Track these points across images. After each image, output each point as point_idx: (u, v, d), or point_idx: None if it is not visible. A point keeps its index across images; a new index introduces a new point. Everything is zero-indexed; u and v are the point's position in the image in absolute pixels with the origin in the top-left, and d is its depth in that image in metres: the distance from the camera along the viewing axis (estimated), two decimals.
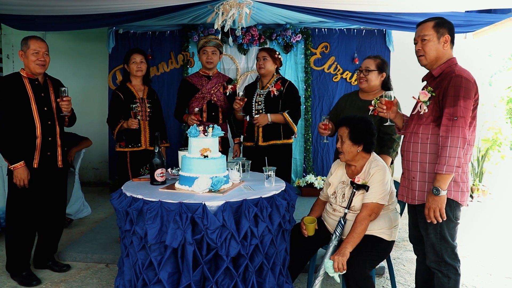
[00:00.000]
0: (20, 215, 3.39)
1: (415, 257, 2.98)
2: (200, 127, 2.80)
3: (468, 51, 6.42)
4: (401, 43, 6.14)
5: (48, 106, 3.40)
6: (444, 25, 2.57)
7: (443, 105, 2.44)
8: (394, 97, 2.77)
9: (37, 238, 3.66)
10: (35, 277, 3.48)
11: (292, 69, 6.36)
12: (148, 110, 4.03)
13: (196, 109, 3.97)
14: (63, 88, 3.34)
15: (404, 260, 4.00)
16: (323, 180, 5.88)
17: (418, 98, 2.59)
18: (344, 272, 2.56)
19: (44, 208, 3.53)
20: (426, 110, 2.56)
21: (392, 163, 3.47)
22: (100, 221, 5.11)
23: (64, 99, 3.34)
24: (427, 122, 2.56)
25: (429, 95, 2.54)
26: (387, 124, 2.86)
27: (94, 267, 3.78)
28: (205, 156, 2.68)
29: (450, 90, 2.41)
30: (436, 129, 2.50)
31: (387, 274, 3.50)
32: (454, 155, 2.34)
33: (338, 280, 2.61)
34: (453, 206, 2.48)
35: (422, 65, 2.68)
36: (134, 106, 3.76)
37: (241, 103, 3.87)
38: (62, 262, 3.80)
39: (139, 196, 2.52)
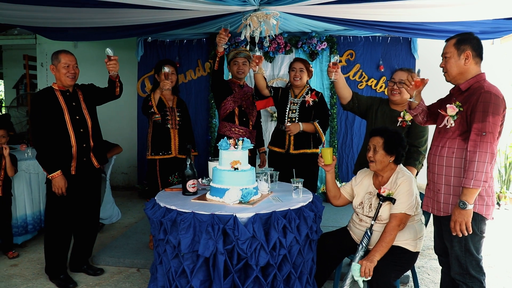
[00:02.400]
0: (59, 221, 3.56)
1: (439, 266, 3.01)
2: (231, 140, 2.90)
3: (497, 52, 6.37)
4: (426, 51, 6.14)
5: (79, 115, 3.55)
6: (465, 42, 2.60)
7: (472, 120, 2.47)
8: (426, 78, 2.80)
9: (72, 242, 3.82)
10: (72, 280, 3.65)
11: (317, 76, 6.42)
12: (178, 119, 4.15)
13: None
14: (108, 49, 3.41)
15: (429, 269, 4.03)
16: None
17: (446, 112, 2.64)
18: (369, 278, 2.63)
19: (80, 213, 3.69)
20: (453, 124, 2.60)
21: (417, 174, 3.52)
22: (130, 225, 5.27)
23: (112, 58, 3.44)
24: (453, 136, 2.60)
25: (457, 109, 2.58)
26: (409, 99, 2.90)
27: (126, 272, 3.93)
28: (235, 169, 2.78)
29: (479, 106, 2.45)
30: (462, 144, 2.55)
31: (411, 283, 3.54)
32: (482, 170, 2.38)
33: (361, 285, 2.68)
34: (478, 219, 2.52)
35: (447, 81, 2.73)
36: (164, 67, 3.89)
37: (257, 61, 3.91)
38: (96, 266, 3.96)
39: (173, 207, 2.63)
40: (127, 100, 7.02)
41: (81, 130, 3.54)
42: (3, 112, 10.34)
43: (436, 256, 3.02)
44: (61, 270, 3.64)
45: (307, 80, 4.18)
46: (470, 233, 2.48)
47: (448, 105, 2.63)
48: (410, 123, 3.49)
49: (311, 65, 4.19)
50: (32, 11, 4.24)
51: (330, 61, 3.38)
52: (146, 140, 4.25)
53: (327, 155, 3.06)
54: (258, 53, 3.93)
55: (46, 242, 3.61)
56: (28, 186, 4.53)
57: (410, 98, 2.87)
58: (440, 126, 2.71)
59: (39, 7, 4.08)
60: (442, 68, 2.71)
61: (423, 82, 2.79)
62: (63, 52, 3.51)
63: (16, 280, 3.72)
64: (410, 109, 2.93)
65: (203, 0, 3.87)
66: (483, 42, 2.70)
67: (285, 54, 6.45)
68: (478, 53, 2.62)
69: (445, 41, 2.71)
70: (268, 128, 6.41)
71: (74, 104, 3.54)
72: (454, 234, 2.52)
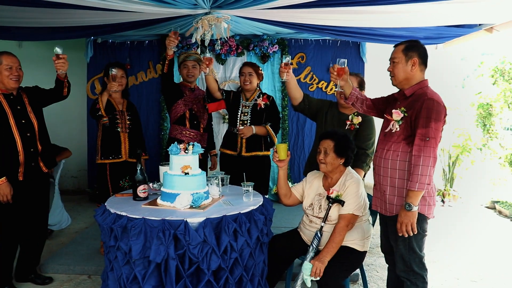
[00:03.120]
0: (3, 229, 3.42)
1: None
2: (181, 145, 2.90)
3: (441, 55, 6.66)
4: (374, 55, 6.34)
5: (25, 118, 3.43)
6: (413, 49, 2.71)
7: (416, 126, 2.59)
8: (346, 67, 2.97)
9: (19, 250, 3.68)
10: None
11: (269, 78, 6.48)
12: (128, 122, 4.10)
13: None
14: (57, 47, 3.32)
15: (378, 266, 4.17)
16: None
17: (391, 117, 2.75)
18: (318, 278, 2.71)
19: (27, 220, 3.57)
20: (398, 129, 2.71)
21: (364, 176, 3.64)
22: (80, 231, 5.15)
23: (61, 56, 3.36)
24: (398, 140, 2.71)
25: (402, 115, 2.69)
26: (336, 89, 3.08)
27: (76, 279, 3.84)
28: (186, 173, 2.79)
29: (423, 112, 2.57)
30: (406, 147, 2.67)
31: (361, 281, 3.66)
32: (426, 173, 2.50)
33: (308, 284, 2.74)
34: (420, 219, 2.63)
35: (393, 85, 2.84)
36: (112, 69, 3.85)
37: (208, 63, 3.97)
38: (45, 275, 3.84)
39: (123, 213, 2.61)
40: (76, 102, 6.84)
41: (28, 134, 3.43)
42: None
43: None
44: (6, 281, 3.50)
45: (258, 83, 4.23)
46: (416, 233, 2.60)
47: (393, 110, 2.74)
48: (358, 126, 3.61)
49: (260, 69, 4.25)
50: None
51: (282, 62, 3.45)
52: (95, 143, 4.17)
53: (281, 151, 3.10)
54: (208, 55, 3.95)
55: None
56: None
57: (337, 87, 3.05)
58: (386, 131, 2.82)
59: None
60: (389, 72, 2.82)
61: (344, 70, 2.95)
62: (4, 53, 3.38)
63: None
64: (346, 100, 3.08)
65: (153, 3, 3.84)
66: (428, 46, 2.83)
67: (237, 57, 6.48)
68: (424, 61, 2.74)
69: (394, 46, 2.82)
70: (220, 130, 6.41)
71: (19, 107, 3.43)
72: (400, 234, 2.63)
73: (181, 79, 4.42)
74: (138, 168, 3.01)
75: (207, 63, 3.94)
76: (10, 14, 4.25)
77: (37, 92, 3.60)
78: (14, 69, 3.36)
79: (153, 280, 2.52)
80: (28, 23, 4.73)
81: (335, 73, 2.96)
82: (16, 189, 3.36)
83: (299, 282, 2.83)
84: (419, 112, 2.58)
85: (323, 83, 6.53)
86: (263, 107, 4.15)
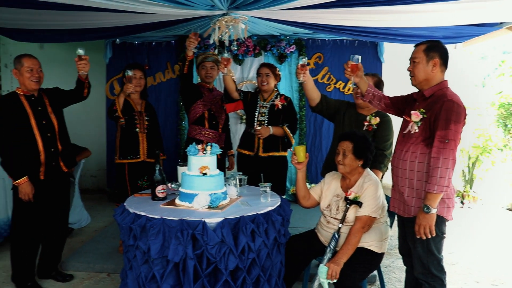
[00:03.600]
0: (26, 228, 3.50)
1: None
2: (199, 146, 2.93)
3: (460, 54, 6.57)
4: (392, 54, 6.30)
5: (46, 119, 3.50)
6: (435, 49, 2.69)
7: (435, 128, 2.56)
8: (360, 63, 2.97)
9: (41, 248, 3.77)
10: (40, 287, 3.60)
11: (286, 79, 6.49)
12: (146, 123, 4.15)
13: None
14: (79, 49, 3.43)
15: (395, 268, 4.14)
16: None
17: (410, 118, 2.73)
18: (335, 281, 2.70)
19: (48, 218, 3.65)
20: (417, 130, 2.69)
21: (382, 177, 3.62)
22: (100, 229, 5.23)
23: (83, 57, 3.45)
24: (416, 141, 2.69)
25: (421, 116, 2.67)
26: (351, 85, 3.05)
27: (96, 277, 3.90)
28: (204, 174, 2.81)
29: (442, 114, 2.54)
30: (424, 149, 2.64)
31: (378, 283, 3.64)
32: (445, 175, 2.48)
33: (326, 287, 2.74)
34: (439, 221, 2.61)
35: (413, 85, 2.82)
36: (128, 70, 3.90)
37: (226, 63, 3.96)
38: (65, 272, 3.91)
39: (142, 213, 2.64)
40: (95, 103, 6.92)
41: (48, 134, 3.50)
42: None
43: None
44: (29, 278, 3.59)
45: (275, 84, 4.24)
46: (434, 236, 2.58)
47: (412, 112, 2.72)
48: (376, 127, 3.59)
49: (278, 69, 4.26)
50: None
51: (298, 63, 3.45)
52: (114, 143, 4.23)
53: (300, 153, 3.10)
54: (226, 55, 3.97)
55: (13, 249, 3.55)
56: None
57: (351, 83, 3.06)
58: (405, 132, 2.80)
59: (3, 8, 3.99)
60: (409, 72, 2.80)
61: (358, 67, 2.95)
62: (26, 56, 3.46)
63: None
64: (362, 97, 3.07)
65: (171, 5, 3.87)
66: (446, 46, 2.80)
67: (254, 57, 6.50)
68: (445, 62, 2.72)
69: (414, 46, 2.80)
70: (238, 130, 6.44)
71: (40, 108, 3.50)
72: (418, 237, 2.61)
73: (199, 79, 4.45)
74: (157, 169, 3.04)
75: (225, 63, 3.96)
76: (33, 17, 4.34)
77: (57, 93, 3.67)
78: (35, 71, 3.43)
79: (171, 279, 2.55)
80: (50, 26, 4.82)
81: (349, 69, 2.96)
82: (37, 188, 3.44)
83: (316, 284, 2.83)
84: (439, 113, 2.56)
85: (340, 83, 6.50)
86: (280, 108, 4.16)
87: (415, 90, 2.87)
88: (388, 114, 3.00)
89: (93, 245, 4.53)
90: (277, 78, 4.24)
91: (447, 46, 2.83)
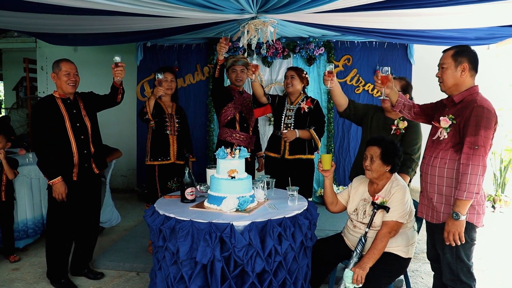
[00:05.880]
0: (60, 226, 3.63)
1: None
2: (228, 149, 2.97)
3: (493, 54, 6.44)
4: (423, 56, 6.21)
5: (80, 122, 3.62)
6: (463, 54, 2.66)
7: (465, 134, 2.54)
8: (390, 74, 2.95)
9: (73, 246, 3.89)
10: (73, 284, 3.73)
11: (315, 81, 6.49)
12: (177, 125, 4.23)
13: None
14: (116, 56, 3.52)
15: (423, 273, 4.10)
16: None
17: (439, 124, 2.71)
18: (361, 285, 2.71)
19: (81, 217, 3.76)
20: (446, 136, 2.67)
21: (410, 181, 3.60)
22: (129, 229, 5.34)
23: (119, 64, 3.54)
24: (446, 147, 2.67)
25: (450, 122, 2.65)
26: (380, 97, 3.04)
27: (126, 275, 4.00)
28: (233, 177, 2.85)
29: (472, 120, 2.52)
30: (454, 155, 2.62)
31: (405, 287, 3.61)
32: (474, 182, 2.46)
33: None
34: (469, 228, 2.59)
35: (442, 90, 2.80)
36: (158, 74, 3.97)
37: (254, 70, 4.05)
38: (97, 270, 4.03)
39: (172, 215, 2.70)
40: (126, 104, 6.94)
41: (82, 137, 3.62)
42: (3, 114, 10.41)
43: None
44: (62, 275, 3.72)
45: (303, 87, 4.26)
46: (463, 242, 2.56)
47: (441, 118, 2.70)
48: (403, 131, 3.57)
49: (305, 73, 4.27)
50: (31, 18, 4.30)
51: (326, 70, 3.46)
52: (145, 145, 4.32)
53: (326, 161, 3.13)
54: (254, 62, 4.02)
55: (48, 246, 3.69)
56: (29, 191, 4.61)
57: (381, 95, 3.04)
58: (434, 138, 2.78)
59: (39, 14, 4.14)
60: (438, 78, 2.78)
61: (388, 78, 2.93)
62: (64, 60, 3.59)
63: (17, 284, 3.80)
64: (393, 107, 3.05)
65: (201, 9, 3.93)
66: (479, 47, 2.76)
67: (283, 59, 6.53)
68: (474, 66, 2.68)
69: (442, 52, 2.78)
70: (266, 132, 6.48)
71: (75, 111, 3.62)
72: (447, 243, 2.59)
73: (229, 82, 4.51)
74: (186, 172, 3.10)
75: (253, 69, 4.01)
76: (68, 23, 4.49)
77: (92, 97, 3.78)
78: (72, 75, 3.56)
79: (199, 280, 2.60)
80: (84, 30, 4.96)
81: (379, 82, 2.95)
82: (70, 188, 3.56)
83: (342, 287, 2.84)
84: (468, 119, 2.54)
85: (369, 86, 6.46)
86: (306, 110, 4.17)
87: (444, 95, 2.84)
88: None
89: (123, 244, 4.64)
90: (304, 81, 4.25)
91: (480, 47, 2.78)
